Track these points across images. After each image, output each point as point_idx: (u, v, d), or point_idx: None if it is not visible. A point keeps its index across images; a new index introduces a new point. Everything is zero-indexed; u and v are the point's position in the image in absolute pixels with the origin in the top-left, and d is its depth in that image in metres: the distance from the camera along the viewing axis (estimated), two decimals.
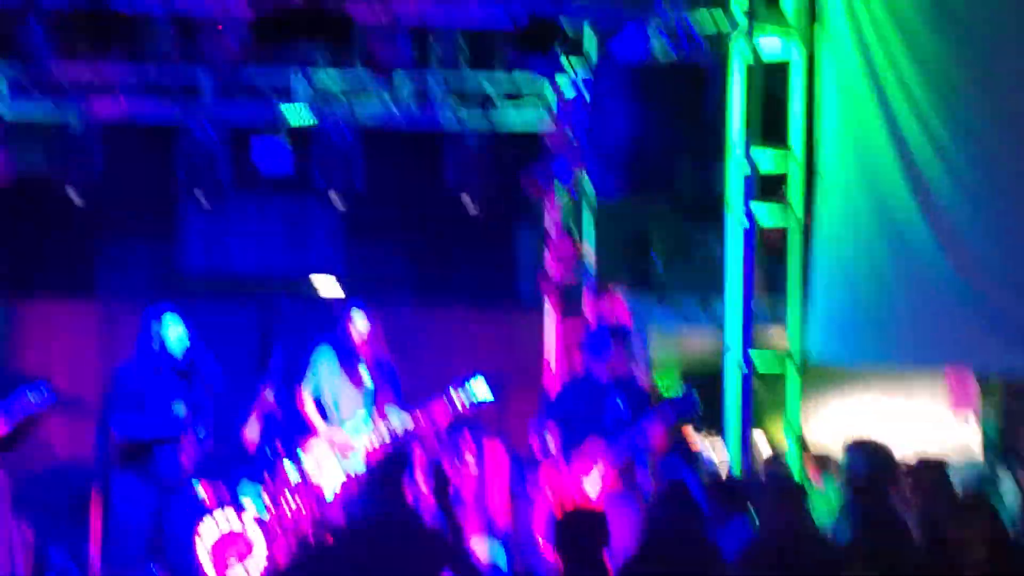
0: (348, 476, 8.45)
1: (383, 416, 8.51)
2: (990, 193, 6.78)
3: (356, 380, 8.54)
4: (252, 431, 9.13)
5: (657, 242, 11.39)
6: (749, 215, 7.61)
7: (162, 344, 8.32)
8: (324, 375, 8.63)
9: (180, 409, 8.25)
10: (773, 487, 6.26)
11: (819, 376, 11.68)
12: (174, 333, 8.33)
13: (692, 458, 8.52)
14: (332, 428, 8.55)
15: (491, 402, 8.61)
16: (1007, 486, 7.59)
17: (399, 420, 8.47)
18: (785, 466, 7.66)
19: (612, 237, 11.04)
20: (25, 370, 10.32)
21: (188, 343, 8.33)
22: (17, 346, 10.66)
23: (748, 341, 7.52)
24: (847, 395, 11.44)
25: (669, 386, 11.78)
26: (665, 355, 12.02)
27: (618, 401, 8.25)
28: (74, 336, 10.97)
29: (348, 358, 8.57)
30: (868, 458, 5.98)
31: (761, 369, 7.88)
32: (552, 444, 8.40)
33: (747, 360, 7.48)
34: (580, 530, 5.05)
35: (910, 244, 7.00)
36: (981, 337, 6.75)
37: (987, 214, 6.76)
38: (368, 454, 8.39)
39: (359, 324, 8.55)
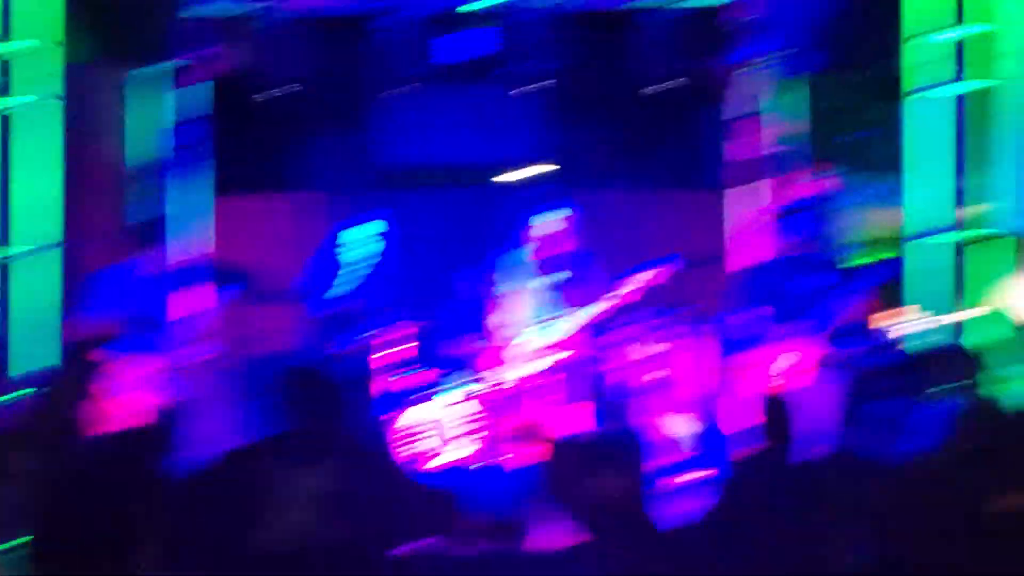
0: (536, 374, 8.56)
1: (572, 311, 8.59)
2: None
3: (547, 277, 8.62)
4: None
5: (855, 120, 11.18)
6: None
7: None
8: (516, 270, 8.74)
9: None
10: None
11: None
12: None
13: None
14: (523, 325, 8.65)
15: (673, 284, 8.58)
16: None
17: (586, 314, 8.54)
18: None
19: (807, 115, 10.89)
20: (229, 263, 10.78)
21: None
22: (218, 240, 10.97)
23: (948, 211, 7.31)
24: None
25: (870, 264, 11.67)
26: (868, 235, 11.86)
27: (822, 281, 8.25)
28: (271, 230, 11.31)
29: (540, 252, 8.66)
30: None
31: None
32: (754, 325, 8.48)
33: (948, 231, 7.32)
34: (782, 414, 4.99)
35: None
36: None
37: None
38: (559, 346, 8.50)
39: (557, 218, 8.63)
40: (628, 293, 8.48)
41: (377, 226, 8.74)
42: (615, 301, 8.50)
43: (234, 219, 11.17)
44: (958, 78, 7.63)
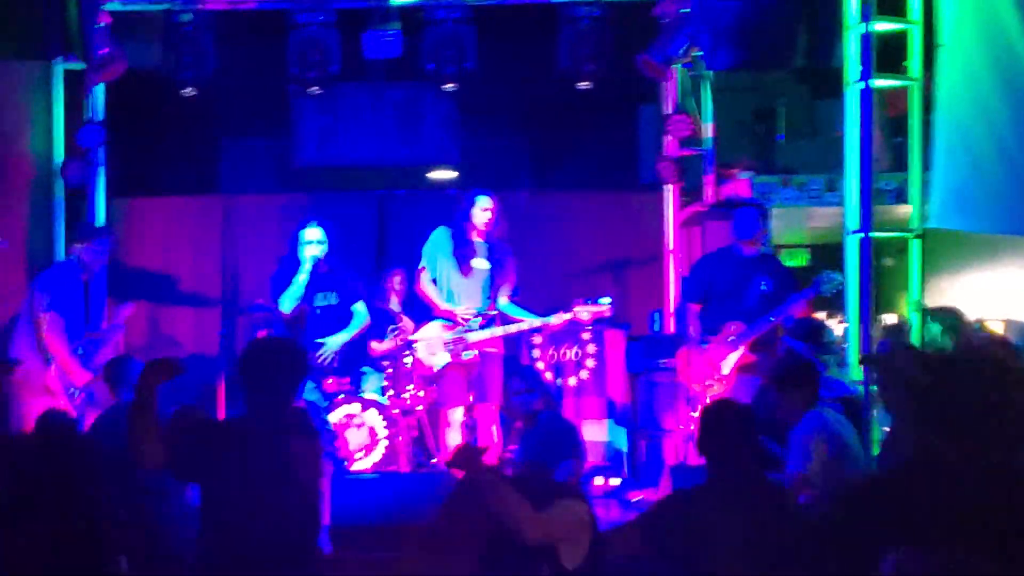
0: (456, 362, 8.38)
1: (504, 315, 8.40)
2: None
3: (467, 267, 8.39)
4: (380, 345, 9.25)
5: (781, 119, 11.10)
6: (867, 90, 7.34)
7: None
8: (438, 258, 8.46)
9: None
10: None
11: (956, 248, 11.41)
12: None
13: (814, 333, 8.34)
14: (443, 304, 8.41)
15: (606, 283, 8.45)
16: None
17: (518, 322, 8.36)
18: (905, 334, 7.53)
19: (734, 115, 10.80)
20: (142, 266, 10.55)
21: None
22: (133, 242, 10.75)
23: (868, 211, 7.28)
24: (988, 267, 11.14)
25: (794, 267, 11.61)
26: (791, 235, 11.81)
27: (763, 281, 8.14)
28: (188, 231, 11.12)
29: (465, 245, 8.44)
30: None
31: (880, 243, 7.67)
32: (692, 326, 8.34)
33: (867, 231, 7.25)
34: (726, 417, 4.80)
35: None
36: None
37: None
38: (481, 344, 8.33)
39: (481, 210, 8.40)
40: (561, 324, 8.32)
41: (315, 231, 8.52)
42: (547, 324, 8.33)
43: (142, 221, 10.96)
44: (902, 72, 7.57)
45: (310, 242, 8.54)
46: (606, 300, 8.31)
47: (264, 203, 11.07)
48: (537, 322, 8.33)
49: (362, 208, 11.00)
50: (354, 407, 8.65)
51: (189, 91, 9.50)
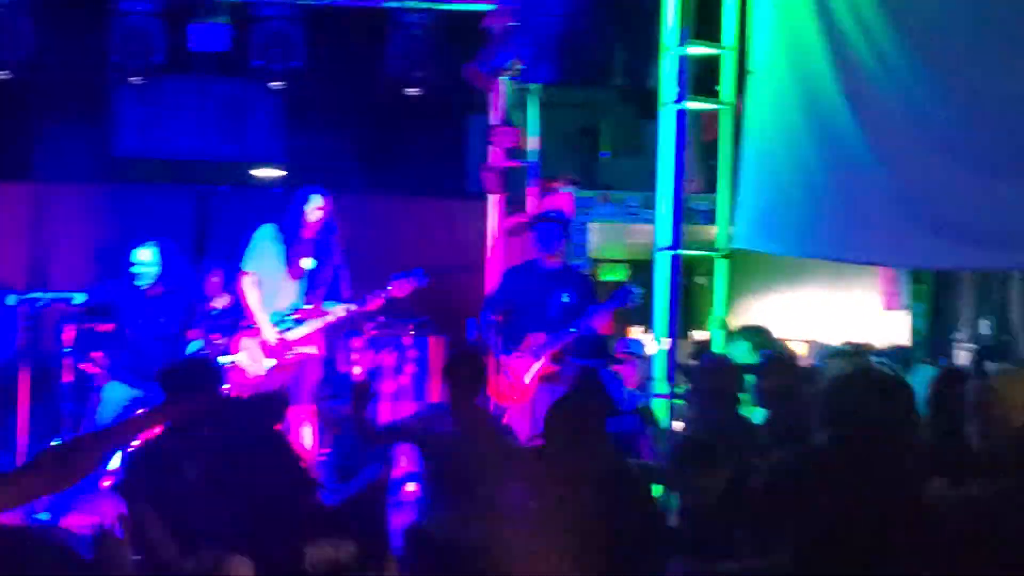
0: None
1: (317, 307, 8.34)
2: (920, 92, 6.70)
3: (295, 267, 8.31)
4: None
5: (606, 136, 11.30)
6: (681, 112, 7.52)
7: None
8: (264, 257, 8.26)
9: None
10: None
11: (763, 269, 11.76)
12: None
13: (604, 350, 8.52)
14: (266, 318, 8.27)
15: (426, 287, 8.45)
16: (918, 377, 7.65)
17: (332, 309, 8.31)
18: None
19: (560, 129, 10.95)
20: None
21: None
22: None
23: (678, 229, 7.46)
24: (792, 288, 11.52)
25: (616, 281, 11.82)
26: (610, 250, 12.02)
27: (564, 293, 8.24)
28: (4, 218, 10.85)
29: (291, 242, 8.31)
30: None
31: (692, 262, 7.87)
32: (494, 337, 8.40)
33: (676, 249, 7.43)
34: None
35: (837, 140, 6.93)
36: (904, 235, 6.72)
37: (915, 113, 6.69)
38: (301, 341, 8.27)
39: (317, 202, 8.23)
40: (377, 301, 8.27)
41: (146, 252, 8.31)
42: (364, 306, 8.28)
43: None
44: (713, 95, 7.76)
45: (142, 263, 8.30)
46: (417, 272, 8.30)
47: (79, 193, 10.83)
48: (353, 306, 8.27)
49: (182, 202, 10.84)
50: None
51: (4, 74, 9.27)
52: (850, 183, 6.96)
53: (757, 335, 7.73)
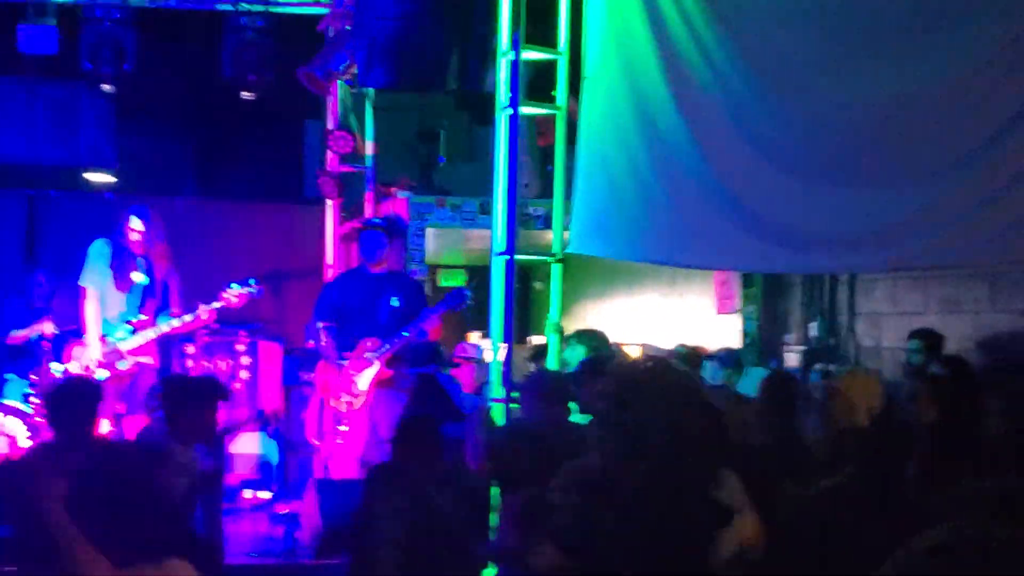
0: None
1: (151, 319, 8.27)
2: (750, 98, 6.84)
3: (125, 280, 8.25)
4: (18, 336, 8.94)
5: (444, 141, 11.33)
6: (514, 116, 7.58)
7: None
8: (99, 271, 8.26)
9: None
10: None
11: (601, 274, 11.92)
12: None
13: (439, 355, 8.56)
14: (97, 333, 8.22)
15: (262, 296, 8.42)
16: (749, 380, 7.83)
17: (166, 323, 8.25)
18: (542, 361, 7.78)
19: (399, 134, 10.96)
20: None
21: None
22: None
23: (512, 234, 7.50)
24: (630, 293, 11.71)
25: (452, 286, 11.87)
26: (449, 256, 12.06)
27: (393, 297, 8.25)
28: None
29: (120, 256, 8.28)
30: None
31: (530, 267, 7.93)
32: (324, 341, 8.36)
33: (510, 253, 7.47)
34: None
35: (667, 144, 7.01)
36: (730, 239, 6.84)
37: (742, 118, 6.83)
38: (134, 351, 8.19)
39: (135, 224, 8.22)
40: (211, 312, 8.22)
41: None
42: (198, 318, 8.22)
43: None
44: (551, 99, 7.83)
45: None
46: (252, 281, 8.29)
47: None
48: (188, 317, 8.23)
49: (11, 206, 10.57)
50: None
51: None
52: (679, 187, 7.05)
53: (593, 339, 7.81)
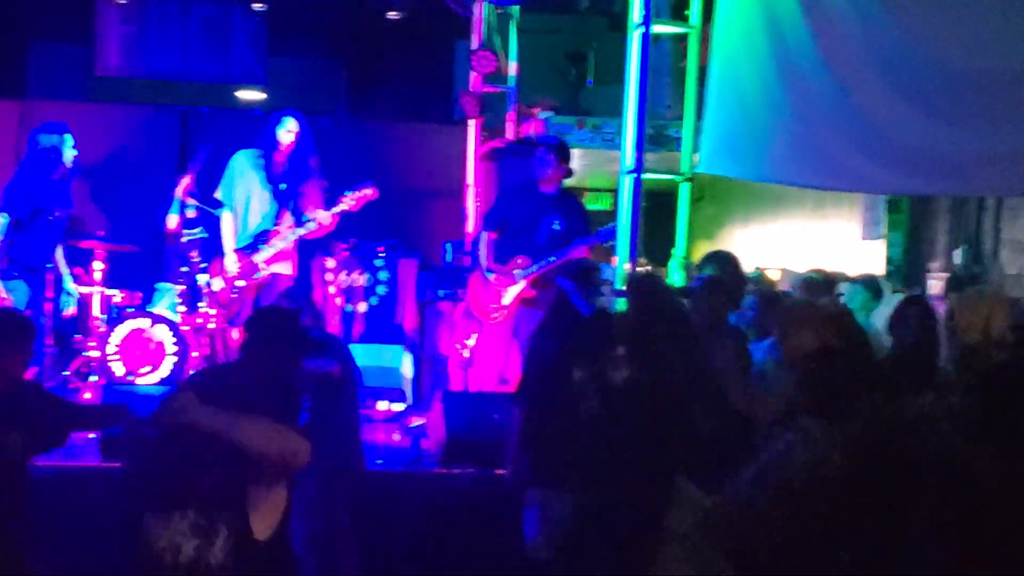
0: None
1: (284, 228, 8.49)
2: (884, 21, 6.73)
3: (267, 190, 8.47)
4: (172, 221, 9.17)
5: (592, 64, 11.29)
6: (646, 35, 7.53)
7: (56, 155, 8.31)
8: (240, 179, 8.52)
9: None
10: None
11: (747, 199, 11.80)
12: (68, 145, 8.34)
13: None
14: (232, 248, 8.50)
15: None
16: (884, 308, 7.68)
17: (291, 231, 8.46)
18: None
19: (545, 56, 10.95)
20: None
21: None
22: None
23: (640, 152, 7.48)
24: (775, 218, 11.57)
25: (598, 210, 11.87)
26: (594, 179, 12.05)
27: (556, 220, 8.30)
28: None
29: (268, 166, 8.48)
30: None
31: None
32: (483, 255, 8.49)
33: (638, 172, 7.46)
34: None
35: (801, 67, 6.96)
36: (866, 162, 6.78)
37: (879, 41, 6.72)
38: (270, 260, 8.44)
39: (291, 125, 8.44)
40: (334, 217, 8.40)
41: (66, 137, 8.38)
42: (320, 224, 8.42)
43: None
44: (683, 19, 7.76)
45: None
46: (368, 186, 8.44)
47: (65, 111, 10.87)
48: (312, 225, 8.42)
49: (165, 122, 10.88)
50: (143, 322, 8.64)
51: None
52: (811, 110, 7.01)
53: (724, 260, 7.77)
